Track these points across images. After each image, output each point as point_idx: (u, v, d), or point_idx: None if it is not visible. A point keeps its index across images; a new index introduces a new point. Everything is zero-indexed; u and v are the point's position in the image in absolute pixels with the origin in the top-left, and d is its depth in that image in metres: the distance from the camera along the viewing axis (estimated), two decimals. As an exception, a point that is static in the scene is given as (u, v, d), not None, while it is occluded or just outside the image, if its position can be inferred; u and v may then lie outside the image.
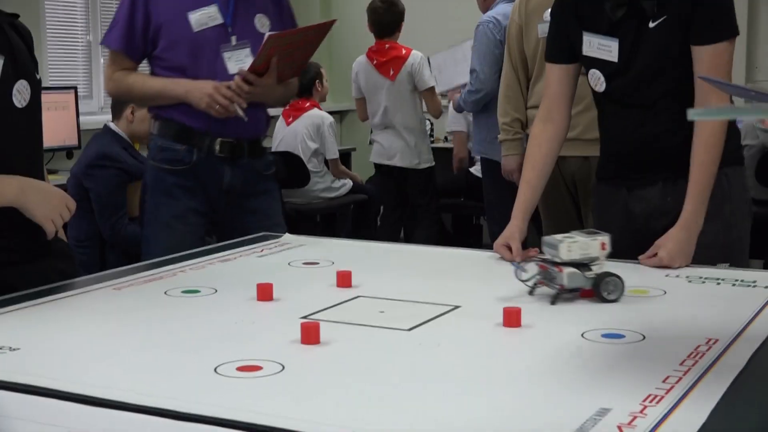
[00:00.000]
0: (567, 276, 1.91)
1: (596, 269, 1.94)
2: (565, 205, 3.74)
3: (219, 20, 3.01)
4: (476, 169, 5.64)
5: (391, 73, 5.81)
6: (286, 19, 3.21)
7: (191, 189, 3.01)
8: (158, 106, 3.06)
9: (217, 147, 2.99)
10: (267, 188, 3.14)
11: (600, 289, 1.92)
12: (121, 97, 3.21)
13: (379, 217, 6.46)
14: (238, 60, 3.00)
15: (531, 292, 1.99)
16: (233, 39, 3.02)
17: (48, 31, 5.68)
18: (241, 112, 2.92)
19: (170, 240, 2.92)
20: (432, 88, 5.86)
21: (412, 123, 5.90)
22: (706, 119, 2.32)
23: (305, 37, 3.06)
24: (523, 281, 2.00)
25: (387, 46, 5.92)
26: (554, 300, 1.94)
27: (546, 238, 1.99)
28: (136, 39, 3.02)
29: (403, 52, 5.91)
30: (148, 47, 3.03)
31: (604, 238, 1.97)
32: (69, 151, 5.42)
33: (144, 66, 3.18)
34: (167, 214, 3.00)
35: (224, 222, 3.05)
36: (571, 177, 3.67)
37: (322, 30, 3.08)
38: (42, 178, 2.35)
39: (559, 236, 1.96)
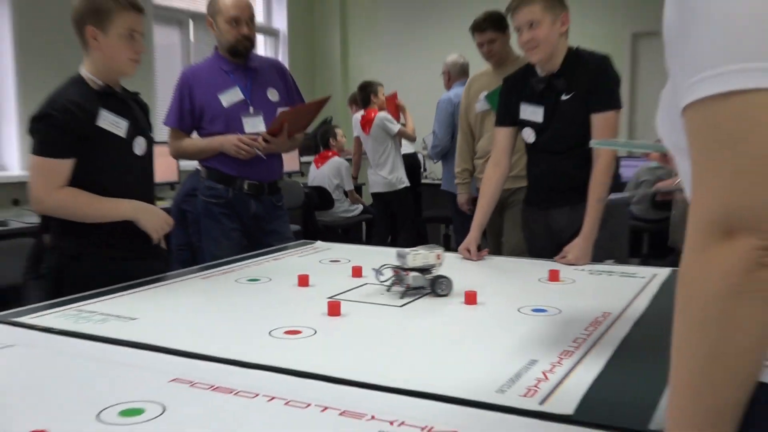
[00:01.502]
0: (412, 278, 1.86)
1: (434, 273, 1.88)
2: (495, 223, 3.61)
3: (241, 97, 3.01)
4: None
5: (366, 131, 5.76)
6: (291, 90, 3.19)
7: (230, 215, 3.00)
8: (204, 158, 3.05)
9: (246, 186, 2.99)
10: (280, 214, 3.12)
11: (435, 287, 1.86)
12: (179, 157, 3.20)
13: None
14: (253, 124, 3.00)
15: (388, 290, 1.90)
16: (251, 109, 3.02)
17: (158, 102, 5.69)
18: (260, 153, 2.93)
19: (218, 249, 2.93)
20: (399, 131, 5.70)
21: (386, 160, 5.74)
22: (605, 147, 2.32)
23: (308, 108, 3.06)
24: (381, 282, 1.91)
25: (366, 111, 5.78)
26: (402, 295, 1.86)
27: (398, 251, 1.90)
28: (185, 118, 3.01)
29: (372, 115, 5.73)
30: (195, 122, 3.03)
31: (440, 251, 1.90)
32: (172, 185, 5.42)
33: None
34: (216, 232, 3.00)
35: (253, 237, 3.05)
36: (501, 204, 3.55)
37: (321, 104, 3.08)
38: (152, 203, 2.35)
39: (407, 249, 1.88)
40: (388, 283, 1.92)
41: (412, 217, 5.97)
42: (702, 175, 0.70)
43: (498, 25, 3.59)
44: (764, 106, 0.67)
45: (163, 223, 2.24)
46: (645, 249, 5.79)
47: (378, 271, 1.92)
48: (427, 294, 1.88)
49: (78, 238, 2.18)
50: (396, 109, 5.98)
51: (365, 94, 5.79)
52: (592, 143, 1.65)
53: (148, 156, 2.37)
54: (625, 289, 1.95)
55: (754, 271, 0.67)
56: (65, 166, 2.13)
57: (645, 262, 5.35)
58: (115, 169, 2.23)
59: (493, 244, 3.67)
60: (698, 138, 0.71)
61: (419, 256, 1.86)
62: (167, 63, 6.05)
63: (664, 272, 2.16)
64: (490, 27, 3.60)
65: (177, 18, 6.20)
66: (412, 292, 1.88)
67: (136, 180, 2.31)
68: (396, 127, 5.66)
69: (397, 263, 1.90)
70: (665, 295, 1.87)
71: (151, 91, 5.67)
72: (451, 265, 2.40)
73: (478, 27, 3.66)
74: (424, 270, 1.88)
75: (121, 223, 2.18)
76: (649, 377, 1.24)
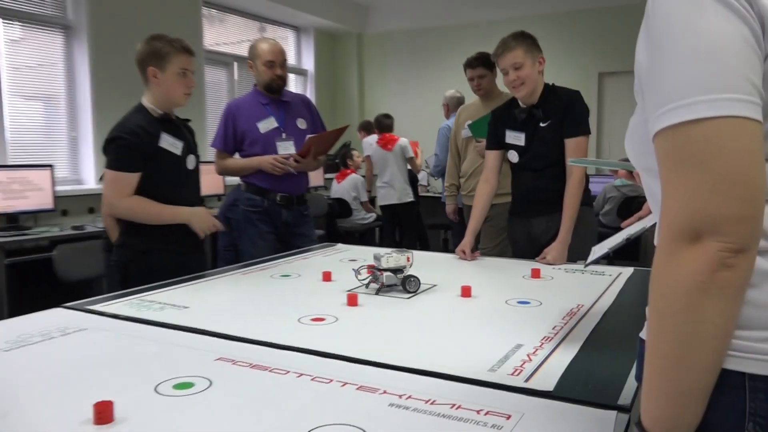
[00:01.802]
0: (385, 277, 1.82)
1: (405, 273, 1.83)
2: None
3: (275, 125, 3.02)
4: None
5: (389, 147, 5.75)
6: (316, 120, 3.20)
7: (265, 221, 3.00)
8: (244, 175, 3.05)
9: (278, 198, 2.99)
10: (307, 221, 3.12)
11: (405, 285, 1.81)
12: (223, 174, 3.21)
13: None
14: (285, 147, 3.01)
15: (366, 287, 1.86)
16: (284, 135, 3.03)
17: (208, 130, 5.71)
18: (292, 170, 2.94)
19: (256, 249, 2.92)
20: (412, 157, 5.73)
21: (396, 177, 5.73)
22: (579, 165, 2.30)
23: (330, 134, 3.06)
24: (360, 280, 1.88)
25: (388, 136, 5.79)
26: (377, 291, 1.81)
27: (374, 253, 1.86)
28: (229, 141, 3.02)
29: (395, 138, 5.77)
30: (237, 145, 3.04)
31: (410, 254, 1.83)
32: (219, 197, 5.42)
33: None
34: (254, 234, 3.00)
35: (284, 239, 3.04)
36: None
37: (340, 131, 3.08)
38: (200, 206, 2.41)
39: (381, 252, 1.83)
40: (365, 281, 1.88)
41: (417, 225, 5.96)
42: (672, 190, 0.68)
43: (487, 64, 3.57)
44: (729, 132, 0.65)
45: (210, 225, 2.32)
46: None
47: (356, 271, 1.89)
48: (399, 290, 1.83)
49: (145, 236, 2.25)
50: (415, 147, 5.98)
51: (389, 122, 5.81)
52: (570, 161, 1.62)
53: (197, 170, 2.45)
54: (596, 285, 1.92)
55: (718, 270, 0.65)
56: (133, 178, 2.21)
57: (611, 262, 5.29)
58: (173, 180, 2.30)
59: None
60: (669, 158, 0.69)
61: (392, 258, 1.82)
62: (215, 97, 6.08)
63: (627, 271, 2.13)
64: (481, 65, 3.59)
65: (223, 60, 6.22)
66: (386, 288, 1.83)
67: (188, 189, 2.40)
68: (411, 153, 5.74)
69: (374, 264, 1.85)
70: (629, 290, 1.84)
71: (202, 119, 5.69)
72: (449, 263, 2.38)
73: (470, 64, 3.64)
74: (396, 270, 1.83)
75: (176, 224, 2.26)
76: (617, 359, 1.22)
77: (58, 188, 4.29)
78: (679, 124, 0.67)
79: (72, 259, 3.61)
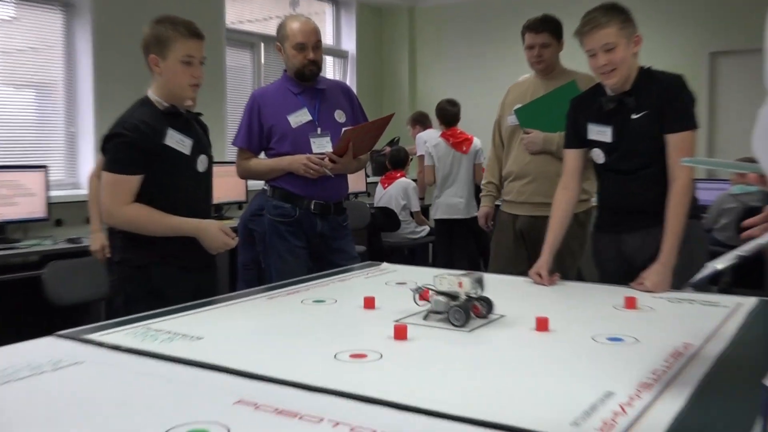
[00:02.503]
0: (434, 302, 1.82)
1: (460, 300, 1.80)
2: (513, 248, 3.49)
3: (309, 117, 3.05)
4: None
5: (464, 149, 5.73)
6: (357, 112, 3.21)
7: (296, 233, 3.03)
8: (271, 178, 3.08)
9: (312, 206, 3.02)
10: (345, 234, 3.15)
11: (451, 316, 1.77)
12: (246, 177, 3.27)
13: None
14: (320, 144, 3.03)
15: (425, 318, 1.84)
16: (318, 129, 3.05)
17: (229, 125, 5.82)
18: (328, 172, 2.96)
19: (284, 268, 2.95)
20: (480, 164, 5.67)
21: (470, 186, 5.73)
22: (694, 165, 2.25)
23: (372, 126, 3.06)
24: (418, 304, 1.89)
25: (458, 131, 5.77)
26: (425, 317, 1.83)
27: (435, 274, 1.87)
28: (253, 138, 3.06)
29: (471, 136, 5.76)
30: (263, 143, 3.07)
31: (463, 279, 1.80)
32: (239, 205, 5.51)
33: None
34: (282, 249, 3.03)
35: (318, 255, 3.06)
36: (520, 230, 3.46)
37: (385, 121, 3.08)
38: (209, 216, 2.49)
39: (443, 272, 1.82)
40: (423, 311, 1.88)
41: (479, 242, 5.88)
42: None
43: (555, 31, 3.38)
44: None
45: (221, 243, 2.37)
46: (727, 277, 5.59)
47: (415, 292, 1.91)
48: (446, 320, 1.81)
49: (144, 249, 2.31)
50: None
51: (455, 111, 5.77)
52: (683, 161, 1.58)
53: (209, 173, 2.51)
54: (708, 318, 1.87)
55: None
56: (134, 182, 2.28)
57: (728, 289, 5.16)
58: (180, 183, 2.37)
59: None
60: None
61: (445, 280, 1.83)
62: (238, 84, 6.19)
63: (749, 302, 2.06)
64: (547, 30, 3.37)
65: (248, 41, 6.34)
66: (435, 315, 1.83)
67: (198, 195, 2.45)
68: (483, 159, 5.61)
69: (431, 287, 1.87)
70: (752, 326, 1.78)
71: (222, 111, 5.80)
72: (521, 289, 2.36)
73: (533, 27, 3.39)
74: (452, 296, 1.82)
75: (182, 236, 2.33)
76: (735, 415, 1.18)
77: (53, 193, 4.42)
78: None
79: (66, 279, 3.69)
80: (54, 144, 4.88)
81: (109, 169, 2.29)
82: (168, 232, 2.31)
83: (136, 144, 2.26)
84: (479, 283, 1.82)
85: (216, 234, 2.35)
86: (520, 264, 3.38)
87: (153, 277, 2.30)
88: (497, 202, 3.71)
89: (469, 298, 1.81)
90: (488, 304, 1.85)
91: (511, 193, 3.48)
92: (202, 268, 2.41)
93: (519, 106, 3.44)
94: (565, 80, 3.31)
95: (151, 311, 1.97)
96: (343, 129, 3.02)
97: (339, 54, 7.50)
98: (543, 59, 3.39)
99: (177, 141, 2.34)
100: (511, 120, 3.48)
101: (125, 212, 2.27)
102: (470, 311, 1.80)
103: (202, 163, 2.44)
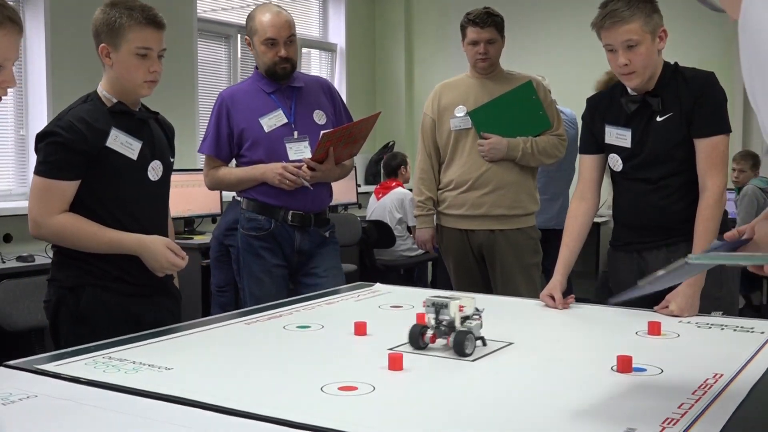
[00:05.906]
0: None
1: (467, 324, 1.80)
2: (476, 268, 3.56)
3: (284, 120, 3.05)
4: None
5: None
6: (340, 112, 3.22)
7: (272, 249, 3.03)
8: (243, 189, 3.09)
9: (290, 217, 3.01)
10: (330, 249, 3.14)
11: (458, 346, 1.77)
12: (215, 188, 3.26)
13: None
14: (297, 150, 3.03)
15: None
16: (295, 133, 3.05)
17: (200, 126, 5.84)
18: (306, 183, 2.96)
19: (261, 289, 2.96)
20: None
21: None
22: (703, 262, 1.91)
23: (356, 128, 3.05)
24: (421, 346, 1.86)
25: None
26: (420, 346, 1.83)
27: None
28: (222, 144, 3.07)
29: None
30: (233, 149, 3.08)
31: (459, 302, 1.78)
32: (213, 218, 5.50)
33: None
34: (256, 269, 3.04)
35: (298, 274, 3.07)
36: (479, 247, 3.51)
37: (370, 121, 3.07)
38: (166, 234, 2.40)
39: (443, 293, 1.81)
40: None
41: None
42: None
43: (500, 26, 3.51)
44: None
45: (166, 264, 2.27)
46: (764, 299, 5.61)
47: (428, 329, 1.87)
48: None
49: (76, 268, 2.24)
50: None
51: None
52: (691, 257, 1.40)
53: (164, 182, 2.42)
54: (741, 346, 1.88)
55: None
56: (67, 188, 2.20)
57: (761, 314, 5.17)
58: (124, 194, 2.29)
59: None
60: None
61: (436, 303, 1.82)
62: (212, 80, 6.21)
63: (787, 327, 2.08)
64: (493, 24, 3.50)
65: (223, 32, 6.36)
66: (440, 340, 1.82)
67: (148, 208, 2.37)
68: None
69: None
70: (789, 355, 1.80)
71: (193, 110, 5.80)
72: (530, 312, 2.37)
73: (478, 21, 3.47)
74: (466, 318, 1.81)
75: (123, 254, 2.24)
76: (771, 453, 1.19)
77: (1, 205, 4.43)
78: None
79: (17, 302, 3.69)
80: (2, 149, 4.88)
81: (38, 173, 2.20)
82: (104, 248, 2.22)
83: (70, 145, 2.18)
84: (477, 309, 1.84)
85: (160, 251, 2.25)
86: (487, 285, 3.45)
87: (79, 300, 2.22)
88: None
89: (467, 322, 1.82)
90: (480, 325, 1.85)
91: (464, 206, 3.52)
92: (149, 293, 2.32)
93: (465, 108, 3.51)
94: (507, 81, 3.39)
95: (114, 338, 1.97)
96: (321, 132, 3.02)
97: (326, 47, 7.52)
98: (488, 56, 3.50)
99: (122, 144, 2.26)
100: (455, 124, 3.55)
101: (54, 223, 2.19)
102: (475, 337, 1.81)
103: (154, 170, 2.35)
